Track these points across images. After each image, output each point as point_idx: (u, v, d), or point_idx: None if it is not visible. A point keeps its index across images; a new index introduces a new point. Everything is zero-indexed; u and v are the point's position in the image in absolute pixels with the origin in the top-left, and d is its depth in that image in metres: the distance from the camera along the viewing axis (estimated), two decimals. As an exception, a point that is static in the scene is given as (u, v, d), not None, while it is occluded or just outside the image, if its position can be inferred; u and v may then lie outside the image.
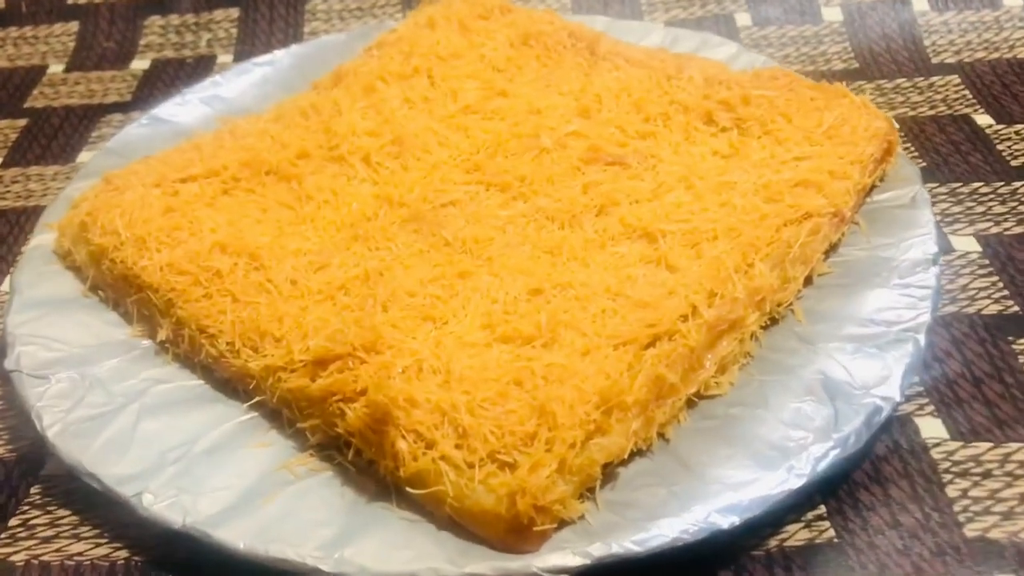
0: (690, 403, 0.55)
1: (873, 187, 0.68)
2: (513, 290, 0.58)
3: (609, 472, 0.51)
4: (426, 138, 0.71)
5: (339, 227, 0.65)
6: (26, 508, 0.57)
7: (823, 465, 0.50)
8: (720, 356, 0.55)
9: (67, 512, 0.56)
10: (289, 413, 0.55)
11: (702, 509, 0.49)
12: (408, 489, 0.50)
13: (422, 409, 0.50)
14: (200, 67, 0.97)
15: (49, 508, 0.56)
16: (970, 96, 0.84)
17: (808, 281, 0.62)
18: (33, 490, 0.57)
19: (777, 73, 0.73)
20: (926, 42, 0.91)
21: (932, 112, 0.82)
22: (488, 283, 0.59)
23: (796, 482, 0.50)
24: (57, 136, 0.89)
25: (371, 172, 0.69)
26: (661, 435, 0.53)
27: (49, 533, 0.55)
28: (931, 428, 0.57)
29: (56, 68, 0.99)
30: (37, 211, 0.77)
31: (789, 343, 0.58)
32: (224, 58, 0.99)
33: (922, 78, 0.87)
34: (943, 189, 0.74)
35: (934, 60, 0.89)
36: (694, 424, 0.54)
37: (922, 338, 0.56)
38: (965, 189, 0.74)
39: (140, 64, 0.99)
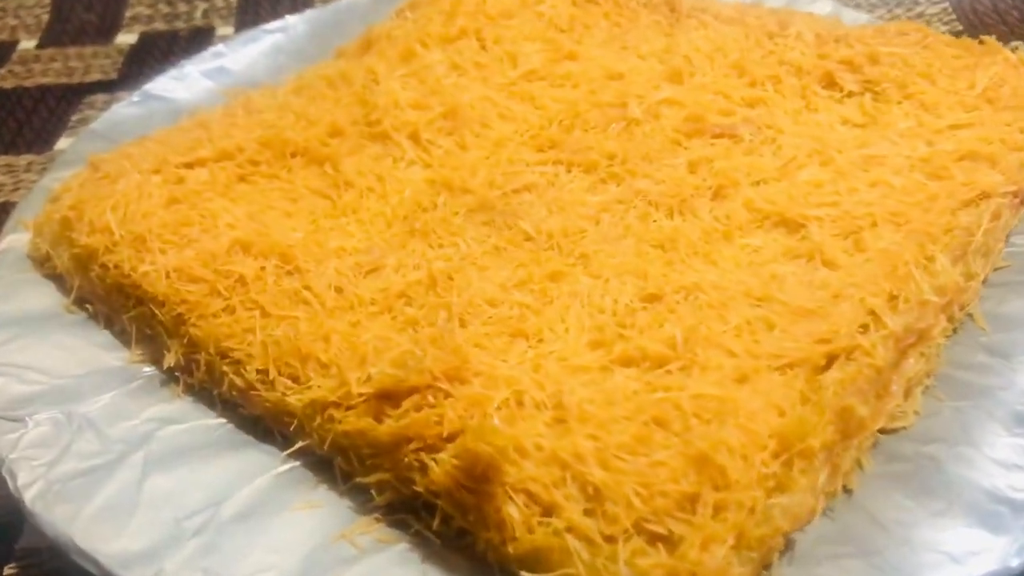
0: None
1: (1040, 161, 0.56)
2: (623, 296, 0.46)
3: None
4: (484, 110, 0.59)
5: (389, 220, 0.52)
6: (-3, 596, 0.44)
7: (1070, 523, 0.38)
8: (907, 378, 0.43)
9: (51, 602, 0.43)
10: (344, 464, 0.42)
11: (922, 590, 0.36)
12: (521, 572, 0.36)
13: (534, 460, 0.37)
14: (196, 40, 0.85)
15: (27, 596, 0.43)
16: (1102, 59, 0.72)
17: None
18: (7, 571, 0.45)
19: (906, 27, 0.61)
20: (1038, -1, 0.79)
21: (1061, 78, 0.70)
22: (588, 287, 0.46)
23: (1043, 549, 0.37)
24: (31, 120, 0.76)
25: (421, 152, 0.56)
26: (842, 485, 0.40)
27: (28, 631, 0.42)
28: None
29: (27, 44, 0.87)
30: (8, 208, 0.65)
31: (976, 357, 0.46)
32: (224, 30, 0.86)
33: (1040, 40, 0.75)
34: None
35: (1050, 19, 0.77)
36: (879, 468, 0.42)
37: None
38: None
39: (126, 38, 0.86)
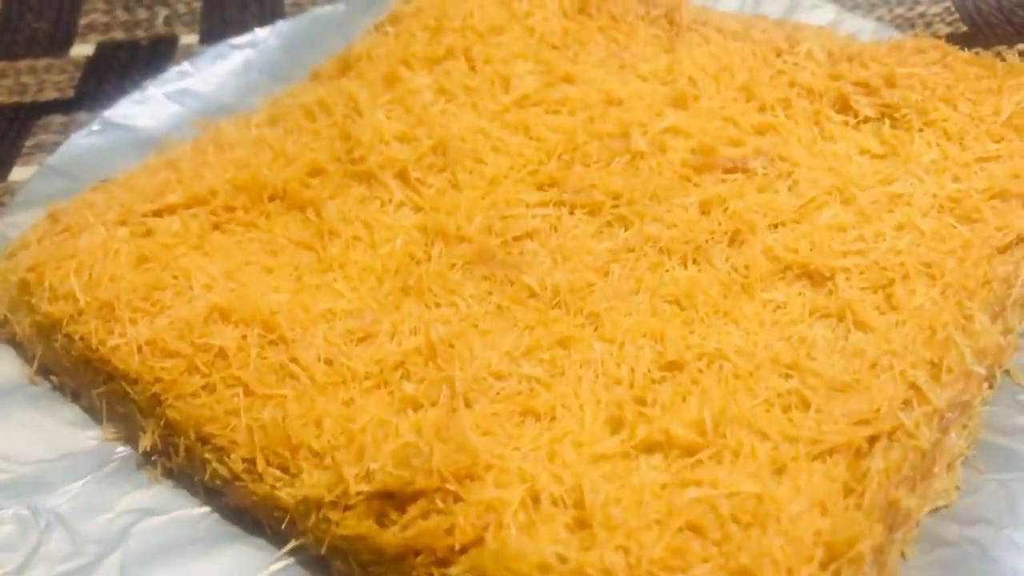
0: (912, 524, 0.39)
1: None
2: (640, 364, 0.42)
3: (829, 648, 0.35)
4: (476, 142, 0.54)
5: (380, 275, 0.48)
6: None
7: None
8: (949, 456, 0.40)
9: None
10: (343, 567, 0.38)
11: None
12: None
13: (557, 575, 0.34)
14: (159, 51, 0.79)
15: None
16: (1116, 62, 0.69)
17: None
18: None
19: (923, 44, 0.57)
20: (1045, -3, 0.76)
21: (1074, 84, 0.67)
22: (602, 353, 0.43)
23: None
24: (-20, 145, 0.70)
25: (411, 193, 0.52)
26: (887, 580, 0.37)
27: None
28: None
29: (-26, 57, 0.80)
30: (-42, 253, 0.58)
31: (1016, 419, 0.43)
32: (188, 39, 0.80)
33: (1048, 42, 0.72)
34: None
35: (1058, 19, 0.74)
36: (922, 557, 0.39)
37: None
38: None
39: (82, 50, 0.80)
